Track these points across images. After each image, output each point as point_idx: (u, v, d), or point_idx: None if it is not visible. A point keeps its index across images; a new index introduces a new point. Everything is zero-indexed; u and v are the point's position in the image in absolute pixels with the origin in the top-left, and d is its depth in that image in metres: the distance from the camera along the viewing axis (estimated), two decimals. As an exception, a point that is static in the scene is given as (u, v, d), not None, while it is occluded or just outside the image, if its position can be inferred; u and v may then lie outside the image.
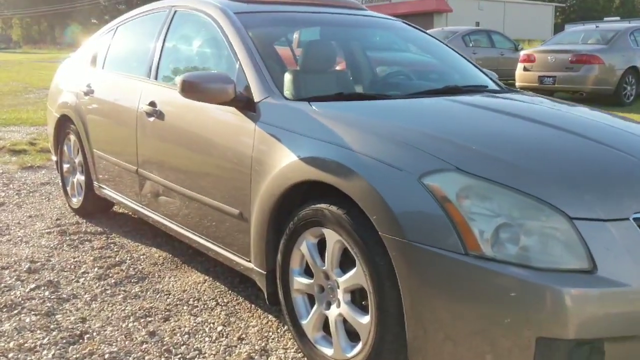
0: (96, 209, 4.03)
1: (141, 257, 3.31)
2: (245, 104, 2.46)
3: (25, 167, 5.55)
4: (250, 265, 2.44)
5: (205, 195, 2.66)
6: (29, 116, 9.23)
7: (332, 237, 2.03)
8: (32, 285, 2.88)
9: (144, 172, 3.14)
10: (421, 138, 2.00)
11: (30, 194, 4.63)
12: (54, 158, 4.45)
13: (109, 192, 3.65)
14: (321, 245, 2.14)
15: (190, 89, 2.44)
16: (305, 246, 2.16)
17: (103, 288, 2.87)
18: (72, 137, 4.01)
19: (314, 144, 2.11)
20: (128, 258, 3.29)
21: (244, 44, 2.63)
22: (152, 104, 3.01)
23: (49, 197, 4.57)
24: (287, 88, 2.50)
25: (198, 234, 2.80)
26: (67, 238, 3.61)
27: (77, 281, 2.96)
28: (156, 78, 3.15)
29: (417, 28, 3.35)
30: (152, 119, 2.99)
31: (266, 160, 2.28)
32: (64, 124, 4.12)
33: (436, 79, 3.08)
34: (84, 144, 3.78)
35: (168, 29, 3.19)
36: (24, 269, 3.08)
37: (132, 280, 2.97)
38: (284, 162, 2.18)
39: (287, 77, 2.53)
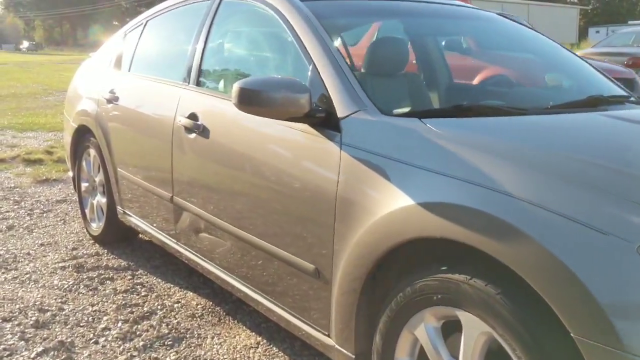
0: (119, 236, 3.41)
1: (175, 305, 2.66)
2: (324, 121, 1.81)
3: (39, 181, 4.96)
4: (331, 342, 1.79)
5: (265, 240, 2.01)
6: (47, 121, 8.71)
7: (474, 326, 1.36)
8: (39, 349, 2.25)
9: (180, 201, 2.50)
10: (611, 176, 1.33)
11: (44, 215, 4.03)
12: (71, 174, 3.83)
13: (135, 221, 3.02)
14: (446, 328, 1.48)
15: (250, 100, 1.79)
16: (422, 330, 1.50)
17: (129, 355, 2.23)
18: (92, 152, 3.39)
19: (440, 182, 1.44)
20: (159, 307, 2.64)
21: (318, 40, 1.97)
22: (193, 116, 2.37)
23: (65, 218, 3.96)
24: (387, 99, 1.83)
25: (253, 288, 2.15)
26: (85, 276, 2.98)
27: (96, 342, 2.32)
28: (197, 84, 2.51)
29: (521, 23, 2.66)
30: (192, 135, 2.35)
31: (359, 200, 1.62)
32: (82, 135, 3.50)
33: (570, 87, 2.39)
34: (106, 161, 3.16)
35: (212, 22, 2.55)
36: (31, 322, 2.46)
37: (166, 342, 2.33)
38: (390, 207, 1.52)
39: (386, 85, 1.87)
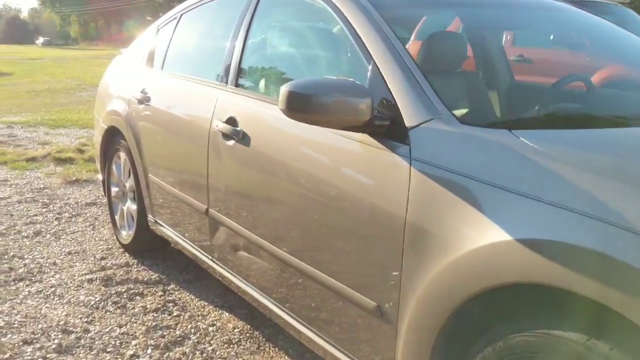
0: (150, 245, 3.18)
1: (210, 329, 2.42)
2: (388, 130, 1.53)
3: (69, 181, 4.79)
4: (395, 392, 1.51)
5: (313, 266, 1.74)
6: (80, 117, 8.61)
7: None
8: (61, 379, 2.03)
9: (216, 214, 2.25)
10: None
11: (73, 219, 3.83)
12: (100, 177, 3.63)
13: (167, 231, 2.78)
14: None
15: (300, 106, 1.52)
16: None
17: (159, 389, 1.99)
18: (123, 155, 3.17)
19: (547, 214, 1.15)
20: (193, 330, 2.40)
21: (379, 34, 1.69)
22: (232, 121, 2.11)
23: (94, 224, 3.76)
24: (465, 105, 1.54)
25: (295, 316, 1.89)
26: (113, 290, 2.76)
27: (124, 372, 2.09)
28: (236, 85, 2.25)
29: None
30: (231, 142, 2.09)
31: (434, 230, 1.34)
32: (113, 137, 3.28)
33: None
34: (137, 166, 2.93)
35: (253, 16, 2.28)
36: (53, 347, 2.24)
37: (200, 375, 2.08)
38: (478, 242, 1.23)
39: (460, 87, 1.57)
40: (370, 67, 1.66)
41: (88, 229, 3.66)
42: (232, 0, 2.56)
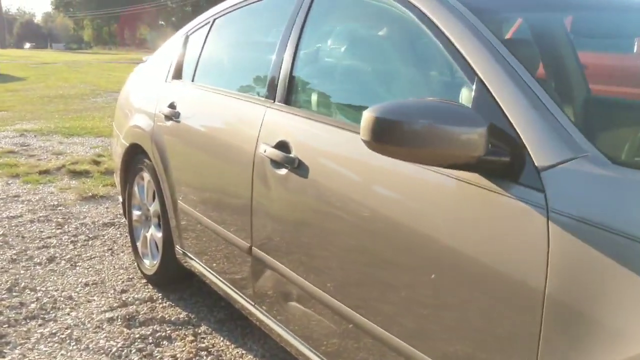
0: (176, 278, 2.84)
1: (252, 387, 2.06)
2: (506, 170, 1.17)
3: (85, 197, 4.46)
4: None
5: (392, 333, 1.38)
6: (95, 124, 8.32)
7: None
8: None
9: (262, 254, 1.90)
10: None
11: (89, 243, 3.50)
12: (120, 198, 3.29)
13: (198, 267, 2.44)
14: None
15: (393, 136, 1.17)
16: None
17: None
18: (146, 176, 2.84)
19: None
20: (231, 388, 2.05)
21: (486, 47, 1.33)
22: (283, 146, 1.77)
23: (113, 247, 3.43)
24: (612, 139, 1.18)
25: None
26: (137, 334, 2.42)
27: None
28: (286, 102, 1.90)
29: None
30: (282, 171, 1.75)
31: (590, 312, 0.99)
32: (135, 156, 2.95)
33: None
34: (163, 190, 2.59)
35: (305, 20, 1.93)
36: (70, 411, 1.90)
37: None
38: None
39: (602, 114, 1.21)
40: (474, 87, 1.30)
41: (106, 255, 3.32)
42: (276, 2, 2.22)
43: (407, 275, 1.35)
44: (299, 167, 1.69)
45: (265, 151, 1.83)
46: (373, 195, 1.45)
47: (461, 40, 1.37)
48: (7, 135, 7.35)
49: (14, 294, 2.79)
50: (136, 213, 3.05)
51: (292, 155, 1.73)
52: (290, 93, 1.90)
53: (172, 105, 2.55)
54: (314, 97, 1.89)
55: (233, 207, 2.06)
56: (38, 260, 3.21)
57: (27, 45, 73.54)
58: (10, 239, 3.52)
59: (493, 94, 1.25)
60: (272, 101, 1.94)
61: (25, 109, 10.08)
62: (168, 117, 2.54)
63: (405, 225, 1.34)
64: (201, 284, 2.87)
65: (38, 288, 2.86)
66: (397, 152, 1.19)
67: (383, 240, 1.41)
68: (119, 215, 4.04)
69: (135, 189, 3.01)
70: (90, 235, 3.63)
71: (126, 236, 3.60)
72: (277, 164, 1.78)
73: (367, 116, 1.20)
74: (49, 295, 2.78)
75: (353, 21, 1.97)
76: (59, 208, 4.20)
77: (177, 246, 2.60)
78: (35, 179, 5.02)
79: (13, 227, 3.74)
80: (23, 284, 2.90)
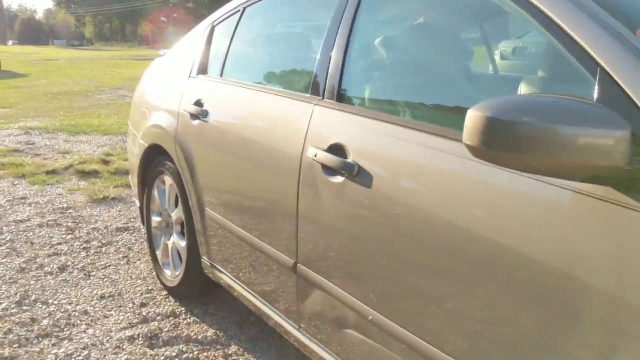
0: (201, 290, 2.61)
1: (296, 420, 1.84)
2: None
3: (96, 200, 4.23)
4: None
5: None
6: (101, 122, 8.10)
7: None
8: None
9: (310, 273, 1.67)
10: None
11: (103, 249, 3.28)
12: (137, 202, 3.07)
13: (228, 280, 2.21)
14: None
15: (513, 141, 0.93)
16: None
17: None
18: (168, 180, 2.61)
19: None
20: (273, 422, 1.82)
21: (604, 29, 1.10)
22: (338, 150, 1.54)
23: (128, 255, 3.20)
24: None
25: None
26: (162, 355, 2.19)
27: None
28: (338, 98, 1.66)
29: None
30: (338, 179, 1.52)
31: None
32: (155, 158, 2.72)
33: None
34: (189, 195, 2.36)
35: (359, 4, 1.69)
36: None
37: None
38: None
39: None
40: (598, 79, 1.06)
41: (122, 263, 3.09)
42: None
43: (504, 307, 1.12)
44: (359, 175, 1.46)
45: (315, 155, 1.60)
46: (455, 209, 1.22)
47: (580, 28, 1.13)
48: (11, 133, 7.13)
49: (24, 307, 2.57)
50: (156, 219, 2.82)
51: (349, 160, 1.49)
52: (340, 89, 1.66)
53: (198, 103, 2.32)
54: (374, 93, 1.66)
55: (274, 218, 1.83)
56: (49, 269, 2.98)
57: (10, 42, 73.79)
58: (18, 246, 3.30)
59: (627, 91, 1.01)
60: (320, 97, 1.71)
61: (28, 106, 9.86)
62: (194, 116, 2.31)
63: (499, 245, 1.11)
64: (227, 297, 2.64)
65: (50, 301, 2.64)
66: (515, 161, 0.96)
67: (469, 264, 1.18)
68: (132, 219, 3.81)
69: (155, 193, 2.78)
70: (104, 241, 3.40)
71: (142, 242, 3.38)
72: (330, 170, 1.55)
73: (474, 115, 0.97)
74: (62, 310, 2.55)
75: (423, 5, 1.73)
76: (69, 211, 3.97)
77: (204, 257, 2.37)
78: (42, 179, 4.79)
79: (21, 232, 3.51)
80: (34, 296, 2.68)
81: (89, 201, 4.21)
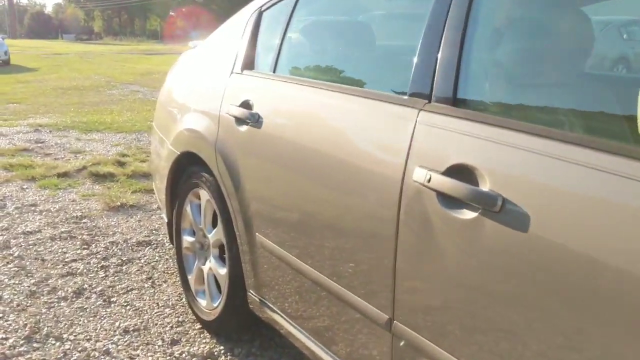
0: (244, 326, 2.21)
1: None
2: None
3: (112, 208, 3.84)
4: None
5: None
6: (114, 119, 7.71)
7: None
8: None
9: (413, 335, 1.25)
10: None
11: (123, 268, 2.88)
12: (165, 217, 2.66)
13: (287, 325, 1.79)
14: None
15: None
16: None
17: None
18: (205, 195, 2.20)
19: None
20: None
21: None
22: (465, 174, 1.12)
23: (152, 276, 2.80)
24: None
25: None
26: (203, 415, 1.78)
27: None
28: (454, 102, 1.24)
29: None
30: (466, 214, 1.10)
31: None
32: (188, 167, 2.31)
33: None
34: (234, 217, 1.95)
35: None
36: None
37: None
38: None
39: None
40: None
41: (146, 286, 2.69)
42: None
43: None
44: (503, 211, 1.04)
45: (428, 180, 1.18)
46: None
47: None
48: (20, 130, 6.76)
49: (35, 345, 2.18)
50: (188, 239, 2.41)
51: (486, 189, 1.07)
52: (461, 89, 1.24)
53: (246, 105, 1.90)
54: (514, 96, 1.24)
55: (358, 258, 1.41)
56: (63, 294, 2.59)
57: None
58: (27, 263, 2.90)
59: None
60: (426, 101, 1.29)
61: (38, 102, 9.50)
62: (241, 121, 1.89)
63: None
64: (271, 333, 2.23)
65: (65, 336, 2.24)
66: None
67: None
68: (154, 231, 3.41)
69: (188, 209, 2.37)
70: (124, 258, 3.00)
71: (167, 260, 2.98)
72: (452, 201, 1.14)
73: None
74: (79, 348, 2.16)
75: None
76: (84, 221, 3.57)
77: (251, 291, 1.96)
78: (53, 183, 4.40)
79: (30, 247, 3.12)
80: (46, 329, 2.29)
81: (105, 209, 3.81)
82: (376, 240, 1.32)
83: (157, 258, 3.02)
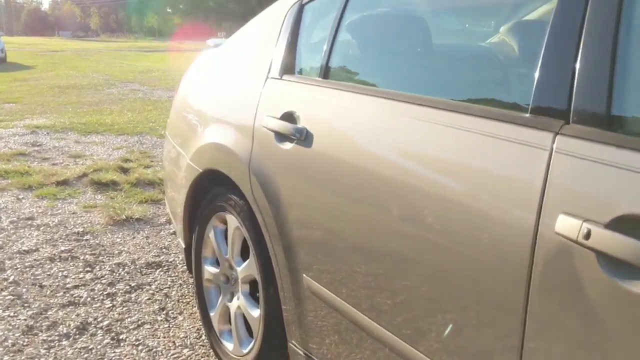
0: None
1: None
2: None
3: (117, 222, 3.49)
4: None
5: None
6: (114, 120, 7.36)
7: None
8: None
9: None
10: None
11: (132, 297, 2.54)
12: (182, 242, 2.32)
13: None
14: None
15: None
16: None
17: None
18: (233, 221, 1.86)
19: None
20: None
21: None
22: (631, 225, 0.77)
23: (165, 305, 2.46)
24: None
25: None
26: None
27: None
28: (609, 125, 0.90)
29: None
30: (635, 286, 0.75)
31: None
32: (212, 188, 1.97)
33: None
34: (273, 251, 1.61)
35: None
36: None
37: None
38: None
39: None
40: None
41: (159, 319, 2.35)
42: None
43: None
44: None
45: (587, 236, 0.84)
46: None
47: None
48: (16, 132, 6.41)
49: (33, 398, 1.83)
50: (210, 270, 2.07)
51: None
52: (617, 108, 0.90)
53: (289, 117, 1.56)
54: None
55: (458, 327, 1.07)
56: (64, 330, 2.25)
57: None
58: (23, 290, 2.56)
59: None
60: (563, 121, 0.95)
61: (35, 101, 9.14)
62: (283, 136, 1.55)
63: None
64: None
65: (68, 386, 1.90)
66: None
67: None
68: (164, 250, 3.07)
69: (211, 235, 2.03)
70: (132, 284, 2.66)
71: (181, 285, 2.64)
72: (622, 266, 0.79)
73: None
74: (85, 403, 1.81)
75: None
76: (86, 237, 3.23)
77: (294, 342, 1.62)
78: (51, 192, 4.06)
79: (27, 270, 2.78)
80: (45, 377, 1.94)
81: (109, 223, 3.47)
82: (498, 313, 0.98)
83: (169, 283, 2.68)
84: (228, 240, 1.92)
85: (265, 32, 1.91)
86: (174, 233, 3.30)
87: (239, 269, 1.88)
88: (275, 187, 1.58)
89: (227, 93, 1.99)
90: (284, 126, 1.56)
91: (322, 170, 1.42)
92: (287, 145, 1.54)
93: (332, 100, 1.50)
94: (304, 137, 1.48)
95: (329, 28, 1.60)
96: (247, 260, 1.81)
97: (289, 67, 1.72)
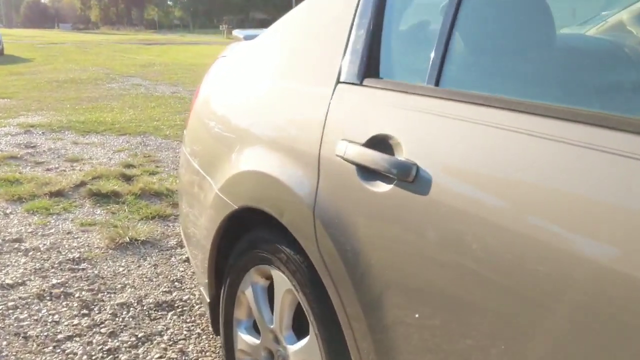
0: None
1: None
2: None
3: (119, 245, 2.97)
4: None
5: None
6: (115, 118, 6.84)
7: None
8: None
9: None
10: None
11: (140, 354, 2.02)
12: (206, 295, 1.78)
13: None
14: None
15: None
16: None
17: None
18: (282, 280, 1.33)
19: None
20: None
21: None
22: None
23: (183, 368, 1.94)
24: None
25: None
26: None
27: None
28: None
29: None
30: None
31: None
32: (251, 229, 1.44)
33: None
34: (354, 342, 1.08)
35: None
36: None
37: None
38: None
39: None
40: None
41: (175, 389, 1.83)
42: None
43: None
44: None
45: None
46: None
47: None
48: (8, 132, 5.88)
49: None
50: (246, 339, 1.54)
51: None
52: None
53: (380, 144, 1.04)
54: None
55: None
56: (53, 406, 1.72)
57: None
58: (4, 344, 2.04)
59: None
60: None
61: (31, 96, 8.60)
62: (374, 173, 1.03)
63: None
64: None
65: None
66: None
67: None
68: (176, 283, 2.55)
69: (248, 293, 1.50)
70: (139, 335, 2.14)
71: (199, 335, 2.12)
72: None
73: None
74: None
75: None
76: (82, 266, 2.71)
77: None
78: (44, 205, 3.53)
79: (9, 314, 2.26)
80: None
81: (109, 246, 2.95)
82: None
83: (184, 332, 2.16)
84: (275, 304, 1.40)
85: (329, 16, 1.37)
86: (187, 260, 2.78)
87: (290, 348, 1.35)
88: (357, 247, 1.05)
89: (271, 102, 1.45)
90: (372, 158, 1.03)
91: (444, 234, 0.89)
92: (381, 187, 1.01)
93: (454, 121, 0.97)
94: (412, 178, 0.95)
95: (446, 23, 1.07)
96: (306, 339, 1.29)
97: (373, 68, 1.19)
